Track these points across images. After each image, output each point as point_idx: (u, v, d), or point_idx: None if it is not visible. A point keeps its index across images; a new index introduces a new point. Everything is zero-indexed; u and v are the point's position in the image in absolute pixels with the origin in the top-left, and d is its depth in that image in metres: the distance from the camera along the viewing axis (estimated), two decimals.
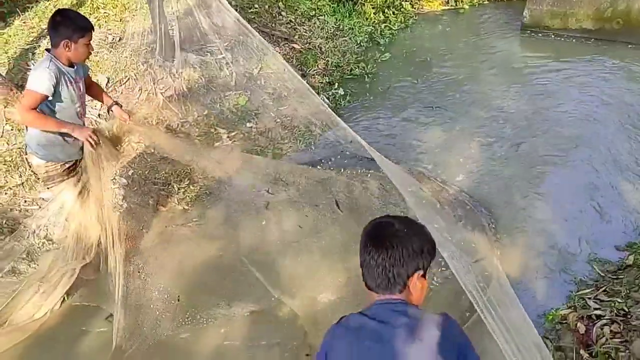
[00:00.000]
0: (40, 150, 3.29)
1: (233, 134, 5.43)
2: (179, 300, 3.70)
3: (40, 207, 4.43)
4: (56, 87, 3.09)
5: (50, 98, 3.09)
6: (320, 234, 4.24)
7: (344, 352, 1.61)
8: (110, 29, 5.81)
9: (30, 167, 3.38)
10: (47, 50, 3.20)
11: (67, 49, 3.10)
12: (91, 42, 3.19)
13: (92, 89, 3.67)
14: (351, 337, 1.61)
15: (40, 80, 3.01)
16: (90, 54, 3.29)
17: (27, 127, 3.36)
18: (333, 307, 3.64)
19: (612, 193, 4.79)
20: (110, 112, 3.67)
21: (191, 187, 4.72)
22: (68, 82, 3.18)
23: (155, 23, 5.43)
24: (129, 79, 5.48)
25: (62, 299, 3.69)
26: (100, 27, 5.76)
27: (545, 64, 7.26)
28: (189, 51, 5.86)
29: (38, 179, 3.44)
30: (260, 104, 5.76)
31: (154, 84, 5.48)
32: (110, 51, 5.66)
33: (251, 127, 5.59)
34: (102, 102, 3.83)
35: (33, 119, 3.07)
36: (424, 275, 1.65)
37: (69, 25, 3.08)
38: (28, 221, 4.26)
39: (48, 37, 3.56)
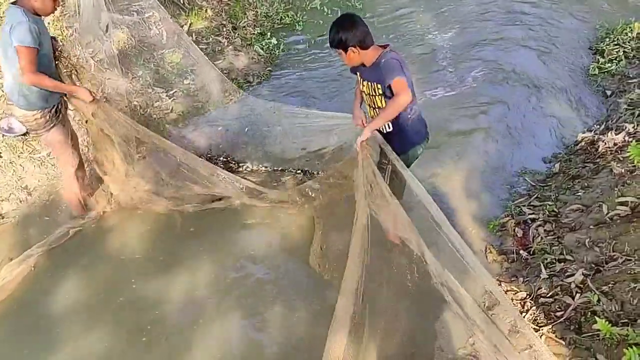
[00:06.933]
0: (22, 101, 3.36)
1: (172, 92, 5.40)
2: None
3: None
4: (39, 37, 3.16)
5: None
6: None
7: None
8: None
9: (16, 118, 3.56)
10: (13, 3, 3.19)
11: None
12: None
13: None
14: None
15: (28, 34, 3.08)
16: (57, 9, 3.34)
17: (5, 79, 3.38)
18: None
19: (537, 114, 5.20)
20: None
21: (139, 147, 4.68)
22: (44, 31, 3.26)
23: None
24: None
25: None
26: None
27: None
28: (114, 12, 5.68)
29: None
30: (195, 59, 5.70)
31: (82, 48, 5.30)
32: None
33: (189, 83, 5.56)
34: None
35: (40, 80, 3.21)
36: None
37: None
38: None
39: None
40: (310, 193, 3.87)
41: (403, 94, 2.86)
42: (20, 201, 4.20)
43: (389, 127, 3.15)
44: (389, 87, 2.92)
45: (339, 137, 4.07)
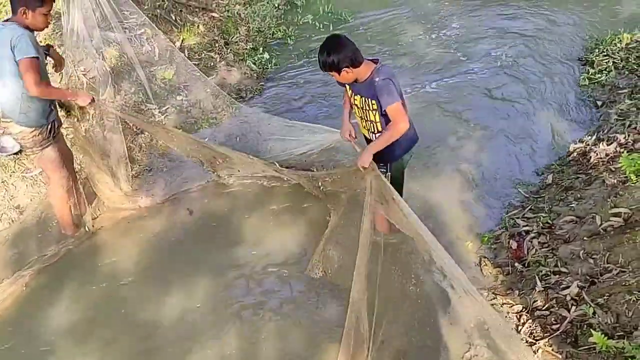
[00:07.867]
0: (22, 117, 3.37)
1: (164, 108, 5.39)
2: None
3: None
4: (36, 47, 3.21)
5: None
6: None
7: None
8: None
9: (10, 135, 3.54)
10: (6, 20, 3.23)
11: (24, 16, 3.17)
12: (50, 12, 3.27)
13: None
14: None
15: (29, 45, 3.12)
16: (49, 24, 3.36)
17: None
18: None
19: (528, 125, 5.22)
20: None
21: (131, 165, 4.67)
22: (38, 41, 3.33)
23: (67, 3, 5.21)
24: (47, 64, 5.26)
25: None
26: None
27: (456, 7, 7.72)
28: (106, 29, 5.68)
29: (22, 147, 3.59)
30: (188, 75, 5.71)
31: (74, 66, 5.29)
32: None
33: (182, 100, 5.56)
34: None
35: (49, 91, 3.35)
36: None
37: None
38: None
39: None
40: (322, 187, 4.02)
41: (400, 121, 2.93)
42: (12, 221, 4.17)
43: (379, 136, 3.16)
44: (385, 111, 2.97)
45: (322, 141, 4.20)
